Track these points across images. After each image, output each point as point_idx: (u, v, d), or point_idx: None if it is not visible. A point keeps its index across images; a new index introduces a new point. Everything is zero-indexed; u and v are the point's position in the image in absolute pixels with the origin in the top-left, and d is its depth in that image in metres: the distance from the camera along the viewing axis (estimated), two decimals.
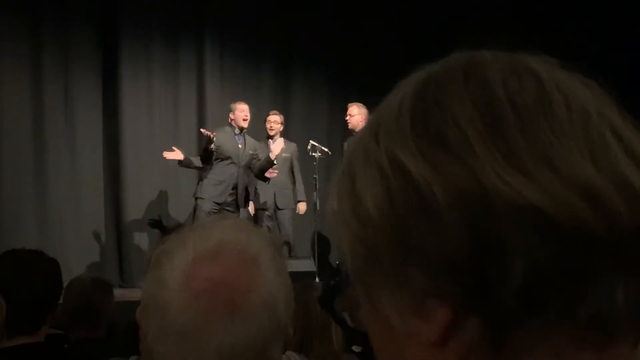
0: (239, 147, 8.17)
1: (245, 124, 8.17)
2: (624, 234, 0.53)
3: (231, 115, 8.21)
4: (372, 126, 0.60)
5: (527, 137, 0.54)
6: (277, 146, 8.18)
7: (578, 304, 0.53)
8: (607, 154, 0.55)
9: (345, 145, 8.41)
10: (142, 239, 9.09)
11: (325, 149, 8.37)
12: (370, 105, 9.91)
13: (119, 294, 5.03)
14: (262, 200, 8.43)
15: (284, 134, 8.67)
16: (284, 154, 8.31)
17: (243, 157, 8.19)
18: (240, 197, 8.21)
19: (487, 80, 0.57)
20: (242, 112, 8.15)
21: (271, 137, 8.39)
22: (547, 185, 0.52)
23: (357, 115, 8.27)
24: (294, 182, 8.57)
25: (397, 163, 0.56)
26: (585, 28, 9.15)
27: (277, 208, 8.45)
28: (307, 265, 7.76)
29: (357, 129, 8.30)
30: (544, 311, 0.53)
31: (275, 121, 8.40)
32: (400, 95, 0.60)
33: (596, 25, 9.23)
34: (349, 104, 8.48)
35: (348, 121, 8.32)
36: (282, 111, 9.36)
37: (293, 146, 8.57)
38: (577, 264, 0.52)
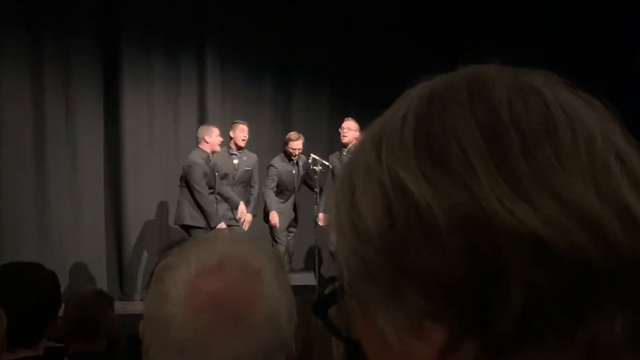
0: (234, 163, 8.32)
1: (243, 144, 8.34)
2: (623, 264, 0.52)
3: (231, 134, 8.35)
4: (373, 140, 0.59)
5: (531, 162, 0.54)
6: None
7: (576, 331, 0.53)
8: (610, 181, 0.54)
9: (332, 158, 8.50)
10: (142, 252, 9.08)
11: (327, 163, 8.38)
12: (371, 118, 9.90)
13: (120, 306, 5.02)
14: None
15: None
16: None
17: (239, 175, 8.34)
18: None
19: (492, 101, 0.56)
20: (242, 132, 8.33)
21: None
22: (548, 214, 0.52)
23: (355, 131, 8.35)
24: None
25: (399, 182, 0.55)
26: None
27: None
28: (307, 279, 7.76)
29: (350, 145, 8.40)
30: (542, 337, 0.53)
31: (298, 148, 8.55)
32: (403, 110, 0.59)
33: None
34: (347, 118, 8.53)
35: (344, 134, 8.37)
36: (283, 124, 9.38)
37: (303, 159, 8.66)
38: (576, 293, 0.52)
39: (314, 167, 8.33)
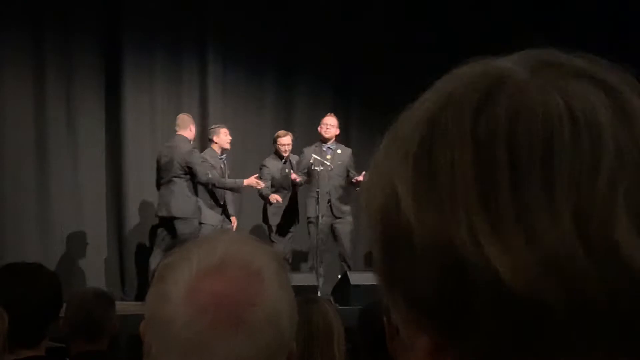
0: (221, 168, 8.45)
1: (229, 146, 8.52)
2: (590, 311, 0.51)
3: (215, 139, 8.43)
4: (389, 135, 0.58)
5: (516, 195, 0.51)
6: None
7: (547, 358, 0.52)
8: (606, 214, 0.50)
9: (305, 152, 8.52)
10: (144, 252, 9.08)
11: (328, 163, 8.38)
12: (374, 117, 9.95)
13: (121, 306, 5.02)
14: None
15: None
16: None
17: (227, 176, 8.51)
18: (228, 213, 8.56)
19: (496, 117, 0.53)
20: (226, 135, 8.48)
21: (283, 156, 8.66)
22: (517, 256, 0.50)
23: (336, 127, 8.44)
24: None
25: (394, 190, 0.55)
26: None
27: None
28: (308, 279, 7.76)
29: (331, 141, 8.39)
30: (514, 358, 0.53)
31: (288, 144, 8.67)
32: (424, 106, 0.57)
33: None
34: (329, 114, 8.63)
35: (327, 130, 8.47)
36: (285, 124, 9.39)
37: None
38: (540, 335, 0.51)
39: (315, 168, 8.33)
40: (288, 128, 9.23)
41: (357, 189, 8.18)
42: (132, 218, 9.15)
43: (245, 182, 8.31)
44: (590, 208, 0.51)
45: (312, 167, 8.34)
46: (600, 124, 0.52)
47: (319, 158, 8.36)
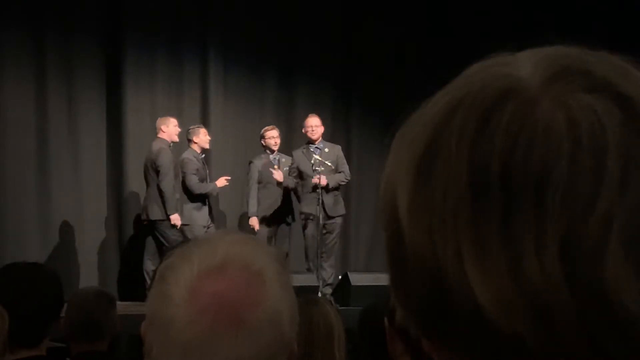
0: (203, 168, 8.49)
1: (208, 146, 8.51)
2: (568, 350, 0.49)
3: (195, 139, 8.41)
4: (399, 138, 0.57)
5: (506, 222, 0.49)
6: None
7: None
8: (596, 252, 0.48)
9: (294, 155, 8.50)
10: (145, 252, 9.08)
11: (329, 163, 8.37)
12: (374, 117, 9.95)
13: (122, 307, 5.02)
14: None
15: (288, 147, 8.72)
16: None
17: (209, 177, 8.55)
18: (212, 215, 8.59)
19: (494, 138, 0.50)
20: (205, 135, 8.48)
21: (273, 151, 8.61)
22: (497, 285, 0.49)
23: (321, 126, 8.39)
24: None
25: (394, 196, 0.55)
26: None
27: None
28: (309, 279, 7.76)
29: (318, 141, 8.38)
30: None
31: (277, 136, 8.62)
32: (434, 109, 0.54)
33: None
34: (311, 115, 8.55)
35: (313, 131, 8.39)
36: (285, 124, 9.38)
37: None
38: None
39: (316, 168, 8.31)
40: (289, 128, 9.24)
41: (318, 190, 8.13)
42: (133, 218, 9.15)
43: (218, 184, 8.36)
44: (579, 244, 0.48)
45: (313, 168, 8.30)
46: (607, 149, 0.48)
47: (319, 159, 8.34)
